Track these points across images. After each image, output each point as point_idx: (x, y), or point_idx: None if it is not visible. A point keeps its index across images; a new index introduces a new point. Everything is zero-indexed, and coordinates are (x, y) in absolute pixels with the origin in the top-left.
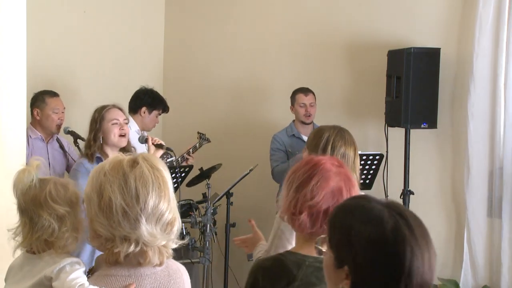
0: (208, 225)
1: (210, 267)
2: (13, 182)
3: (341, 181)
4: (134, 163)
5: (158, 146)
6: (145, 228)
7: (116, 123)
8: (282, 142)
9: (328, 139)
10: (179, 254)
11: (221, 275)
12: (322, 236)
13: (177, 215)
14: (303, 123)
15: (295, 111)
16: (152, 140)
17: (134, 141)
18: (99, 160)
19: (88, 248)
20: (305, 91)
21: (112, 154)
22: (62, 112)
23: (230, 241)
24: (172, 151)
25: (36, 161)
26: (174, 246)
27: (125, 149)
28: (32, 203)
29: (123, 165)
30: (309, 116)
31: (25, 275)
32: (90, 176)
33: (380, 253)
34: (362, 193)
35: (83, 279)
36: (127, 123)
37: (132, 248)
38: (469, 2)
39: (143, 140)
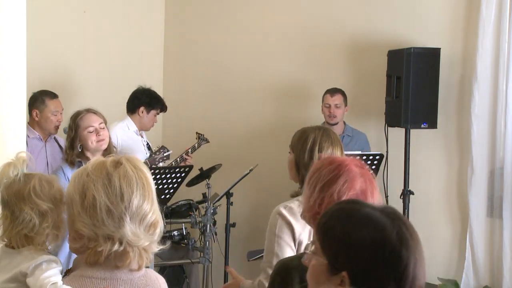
0: (208, 225)
1: (210, 267)
2: None
3: (365, 182)
4: (117, 163)
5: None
6: (129, 227)
7: (92, 131)
8: None
9: (314, 140)
10: (180, 254)
11: (221, 275)
12: (310, 242)
13: (160, 218)
14: (328, 123)
15: (323, 111)
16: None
17: (131, 141)
18: (80, 165)
19: (65, 250)
20: (332, 91)
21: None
22: (61, 114)
23: (230, 241)
24: (152, 153)
25: (22, 156)
26: (156, 250)
27: (107, 152)
28: (15, 196)
29: (106, 165)
30: (334, 117)
31: (1, 269)
32: (72, 178)
33: (384, 258)
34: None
35: (57, 278)
36: (103, 127)
37: (116, 247)
38: (469, 2)
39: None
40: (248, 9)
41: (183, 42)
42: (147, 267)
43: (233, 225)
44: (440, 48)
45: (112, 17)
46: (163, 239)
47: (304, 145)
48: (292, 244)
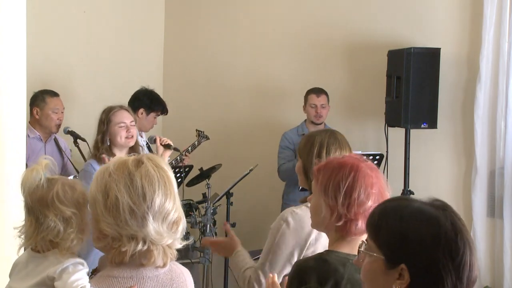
0: (208, 225)
1: (210, 267)
2: (20, 180)
3: (378, 177)
4: (139, 162)
5: (166, 147)
6: (152, 227)
7: (123, 126)
8: (291, 140)
9: (321, 143)
10: (180, 254)
11: (221, 275)
12: (364, 240)
13: (182, 215)
14: (314, 123)
15: (307, 111)
16: (160, 140)
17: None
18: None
19: (95, 250)
20: (318, 91)
21: (121, 154)
22: (62, 112)
23: None
24: (179, 151)
25: (45, 160)
26: (179, 246)
27: (133, 149)
28: (39, 203)
29: (128, 165)
30: (321, 117)
31: (29, 273)
32: (94, 177)
33: (442, 249)
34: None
35: (85, 280)
36: (133, 125)
37: (139, 246)
38: (469, 2)
39: (152, 140)
40: (248, 9)
41: (183, 42)
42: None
43: (233, 225)
44: (440, 48)
45: (112, 17)
46: (186, 235)
47: (312, 149)
48: (289, 252)
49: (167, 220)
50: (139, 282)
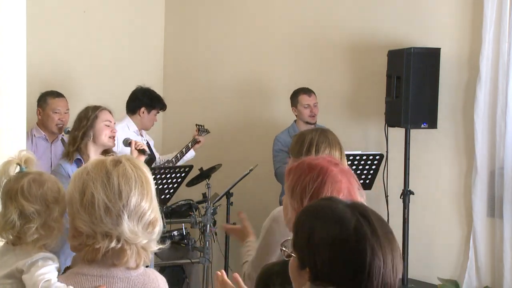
0: (208, 225)
1: (210, 267)
2: None
3: (348, 179)
4: (117, 162)
5: (141, 152)
6: (127, 225)
7: (109, 125)
8: (284, 143)
9: (311, 141)
10: (180, 254)
11: None
12: (289, 238)
13: (159, 216)
14: (308, 123)
15: (298, 112)
16: (135, 144)
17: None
18: (78, 162)
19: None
20: (308, 91)
21: (95, 155)
22: (65, 113)
23: (230, 241)
24: (153, 158)
25: (24, 154)
26: (155, 248)
27: (107, 152)
28: (6, 195)
29: (106, 164)
30: (314, 116)
31: (1, 265)
32: (72, 177)
33: (340, 252)
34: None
35: (52, 275)
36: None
37: (113, 244)
38: (469, 2)
39: (127, 143)
40: (248, 9)
41: (183, 42)
42: (146, 266)
43: (233, 225)
44: (440, 48)
45: (112, 17)
46: (163, 239)
47: (301, 147)
48: (277, 249)
49: (142, 220)
50: (108, 282)
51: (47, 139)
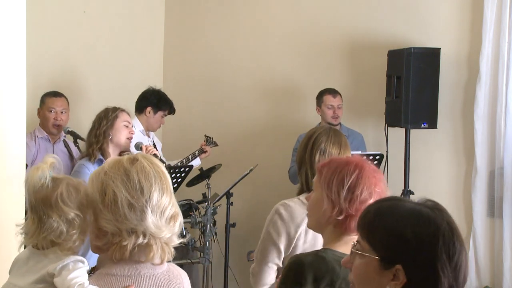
0: (208, 225)
1: (210, 267)
2: (25, 178)
3: (383, 185)
4: (133, 160)
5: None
6: (151, 220)
7: (128, 126)
8: None
9: (320, 139)
10: (180, 254)
11: (221, 275)
12: (356, 241)
13: (179, 210)
14: (330, 124)
15: (322, 112)
16: (146, 150)
17: (137, 140)
18: (100, 162)
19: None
20: (333, 92)
21: (114, 155)
22: (61, 112)
23: (230, 241)
24: (165, 163)
25: (50, 159)
26: (177, 243)
27: (124, 152)
28: (43, 202)
29: (123, 163)
30: (337, 117)
31: (29, 270)
32: (89, 179)
33: (440, 249)
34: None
35: (84, 278)
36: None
37: (140, 240)
38: (469, 2)
39: (139, 148)
40: (248, 9)
41: (183, 42)
42: (168, 261)
43: (233, 225)
44: (440, 48)
45: (112, 17)
46: (182, 233)
47: (308, 142)
48: (283, 245)
49: (165, 214)
50: (137, 281)
51: (49, 140)
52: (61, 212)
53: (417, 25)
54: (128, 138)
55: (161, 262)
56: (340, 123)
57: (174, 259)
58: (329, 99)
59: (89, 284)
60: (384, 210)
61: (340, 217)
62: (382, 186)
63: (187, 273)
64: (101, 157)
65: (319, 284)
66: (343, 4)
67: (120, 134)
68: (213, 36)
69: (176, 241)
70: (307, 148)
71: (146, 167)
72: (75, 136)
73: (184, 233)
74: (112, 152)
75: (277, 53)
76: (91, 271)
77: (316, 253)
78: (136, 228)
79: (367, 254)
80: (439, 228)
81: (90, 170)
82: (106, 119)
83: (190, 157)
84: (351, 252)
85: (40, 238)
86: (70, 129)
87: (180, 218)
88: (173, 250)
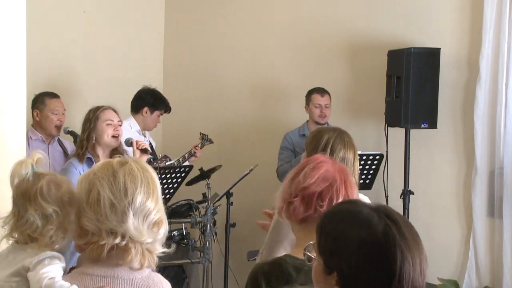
0: (208, 225)
1: (210, 267)
2: (10, 172)
3: (335, 169)
4: (124, 162)
5: (143, 151)
6: (132, 223)
7: (110, 124)
8: (291, 141)
9: (327, 141)
10: (180, 254)
11: (221, 275)
12: (311, 242)
13: (164, 218)
14: (317, 123)
15: (310, 110)
16: (137, 144)
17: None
18: (89, 160)
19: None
20: (321, 91)
21: (103, 155)
22: (62, 114)
23: (230, 241)
24: (156, 158)
25: (37, 154)
26: (160, 251)
27: (116, 151)
28: (22, 196)
29: (112, 164)
30: (324, 116)
31: (8, 264)
32: (79, 179)
33: (369, 258)
34: (360, 193)
35: (56, 273)
36: (120, 125)
37: (118, 240)
38: (469, 2)
39: (129, 143)
40: (247, 9)
41: (183, 42)
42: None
43: (233, 225)
44: (440, 48)
45: (112, 17)
46: (168, 242)
47: (317, 144)
48: (283, 240)
49: (148, 219)
50: (112, 283)
51: (43, 141)
52: (38, 207)
53: (417, 25)
54: (113, 136)
55: (140, 267)
56: (327, 123)
57: (174, 259)
58: (317, 98)
59: (61, 280)
60: (332, 213)
61: (284, 204)
62: (331, 174)
63: (187, 273)
64: (90, 156)
65: None
66: (343, 4)
67: (103, 134)
68: (213, 36)
69: (160, 249)
70: (319, 151)
71: (135, 170)
72: (75, 136)
73: (172, 243)
74: (102, 152)
75: (277, 53)
76: (70, 271)
77: (274, 261)
78: (115, 229)
79: (314, 257)
80: (372, 235)
81: (77, 169)
82: (88, 122)
83: (181, 159)
84: (303, 253)
85: (18, 232)
86: (70, 129)
87: (165, 226)
88: (156, 258)
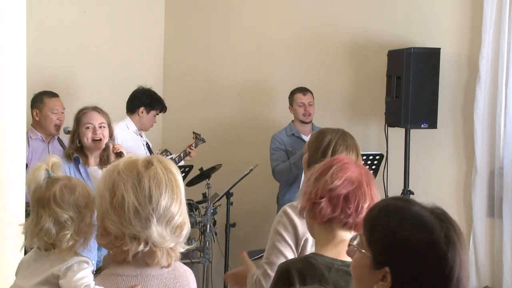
0: (208, 225)
1: (210, 267)
2: (26, 179)
3: (360, 171)
4: (148, 164)
5: (118, 155)
6: (155, 229)
7: (89, 128)
8: (282, 141)
9: (329, 142)
10: (180, 254)
11: (221, 275)
12: (356, 234)
13: (187, 219)
14: (302, 122)
15: (294, 110)
16: (113, 148)
17: (131, 141)
18: (76, 160)
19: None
20: (303, 90)
21: (92, 156)
22: (62, 113)
23: (230, 241)
24: (166, 154)
25: (52, 159)
26: (182, 250)
27: (104, 151)
28: (37, 202)
29: (137, 165)
30: (309, 115)
31: (34, 271)
32: (103, 174)
33: (430, 259)
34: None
35: (89, 278)
36: (103, 127)
37: (141, 247)
38: (469, 2)
39: (106, 147)
40: (247, 10)
41: (183, 42)
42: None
43: (233, 225)
44: (440, 48)
45: (112, 17)
46: (189, 239)
47: (319, 145)
48: (293, 243)
49: (171, 224)
50: (143, 280)
51: (43, 140)
52: (52, 213)
53: (417, 25)
54: (94, 140)
55: (168, 265)
56: (311, 122)
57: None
58: (299, 97)
59: (95, 285)
60: (388, 208)
61: (308, 205)
62: (360, 180)
63: (193, 276)
64: (77, 156)
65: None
66: (343, 4)
67: (83, 138)
68: (213, 36)
69: (181, 248)
70: (320, 152)
71: (160, 173)
72: None
73: (193, 240)
74: (90, 154)
75: (276, 54)
76: (97, 272)
77: (305, 259)
78: (139, 235)
79: (363, 250)
80: (435, 239)
81: (65, 168)
82: (74, 124)
83: (176, 159)
84: (349, 244)
85: (36, 238)
86: (70, 129)
87: (187, 227)
88: (179, 255)
